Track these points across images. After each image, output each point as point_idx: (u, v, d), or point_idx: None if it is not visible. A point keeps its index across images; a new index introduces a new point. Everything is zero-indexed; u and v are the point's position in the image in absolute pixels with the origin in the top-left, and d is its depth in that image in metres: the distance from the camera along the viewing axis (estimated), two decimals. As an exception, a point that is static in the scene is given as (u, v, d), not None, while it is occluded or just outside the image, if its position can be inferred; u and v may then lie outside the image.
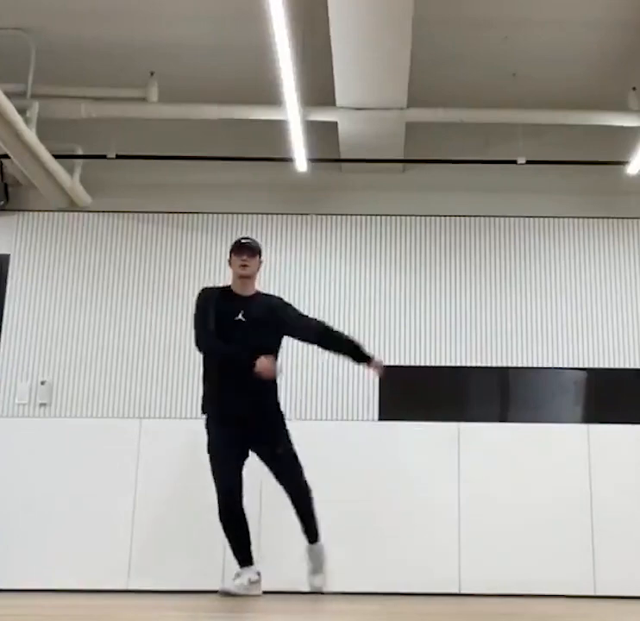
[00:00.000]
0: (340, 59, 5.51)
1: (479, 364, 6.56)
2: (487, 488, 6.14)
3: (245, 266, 5.01)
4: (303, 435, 6.22)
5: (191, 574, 6.03)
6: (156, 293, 6.69)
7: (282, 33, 4.96)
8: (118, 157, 6.42)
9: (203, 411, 5.02)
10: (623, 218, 6.82)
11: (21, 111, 5.77)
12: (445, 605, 4.48)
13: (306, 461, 6.17)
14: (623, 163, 6.36)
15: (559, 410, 6.55)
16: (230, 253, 5.10)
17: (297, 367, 6.53)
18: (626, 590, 5.88)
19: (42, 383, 6.49)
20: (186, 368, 6.53)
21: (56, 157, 6.21)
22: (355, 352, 5.11)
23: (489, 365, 6.56)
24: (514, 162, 6.42)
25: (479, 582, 5.81)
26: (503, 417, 6.54)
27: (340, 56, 5.48)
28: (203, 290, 5.17)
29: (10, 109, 5.54)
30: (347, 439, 6.19)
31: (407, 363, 6.53)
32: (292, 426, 6.41)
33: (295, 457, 4.95)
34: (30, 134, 5.84)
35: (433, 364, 6.55)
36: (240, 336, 4.93)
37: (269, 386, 4.93)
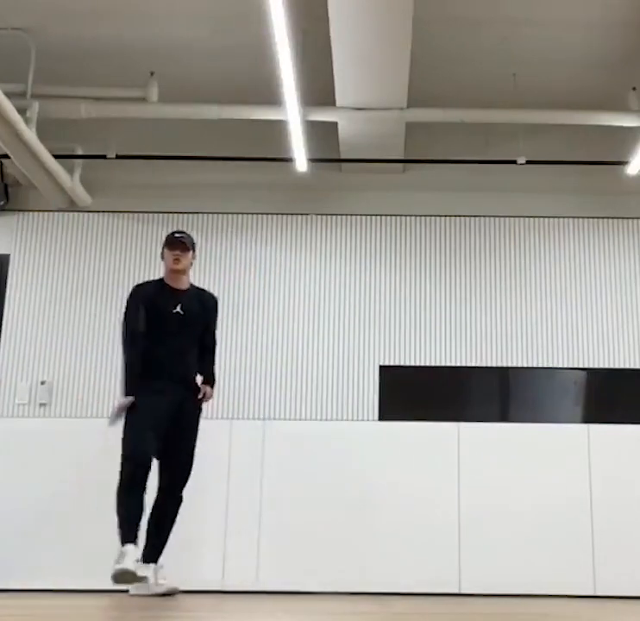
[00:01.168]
0: (340, 59, 5.51)
1: (479, 364, 6.56)
2: (487, 488, 6.14)
3: (177, 260, 5.07)
4: (303, 435, 6.24)
5: (191, 574, 6.03)
6: (156, 293, 6.68)
7: (282, 33, 4.96)
8: (118, 157, 6.42)
9: None
10: (623, 218, 6.82)
11: (21, 111, 5.77)
12: (445, 605, 4.48)
13: (306, 461, 6.17)
14: (623, 163, 6.36)
15: (559, 410, 6.55)
16: (163, 246, 5.16)
17: (297, 367, 6.53)
18: (626, 590, 5.88)
19: (42, 383, 6.48)
20: (186, 368, 6.52)
21: (56, 157, 6.21)
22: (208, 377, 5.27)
23: (489, 365, 6.56)
24: (514, 162, 6.42)
25: (479, 582, 5.80)
26: (503, 417, 6.55)
27: (340, 56, 5.48)
28: (135, 287, 5.21)
29: (10, 109, 5.54)
30: (347, 439, 6.18)
31: (407, 363, 6.53)
32: (292, 426, 6.43)
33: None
34: (30, 134, 5.84)
35: (433, 364, 6.55)
36: (177, 329, 5.04)
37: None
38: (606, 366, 6.52)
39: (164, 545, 4.99)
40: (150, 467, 4.90)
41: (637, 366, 6.52)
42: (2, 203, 6.72)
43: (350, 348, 6.65)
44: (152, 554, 4.96)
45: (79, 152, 6.55)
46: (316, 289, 6.72)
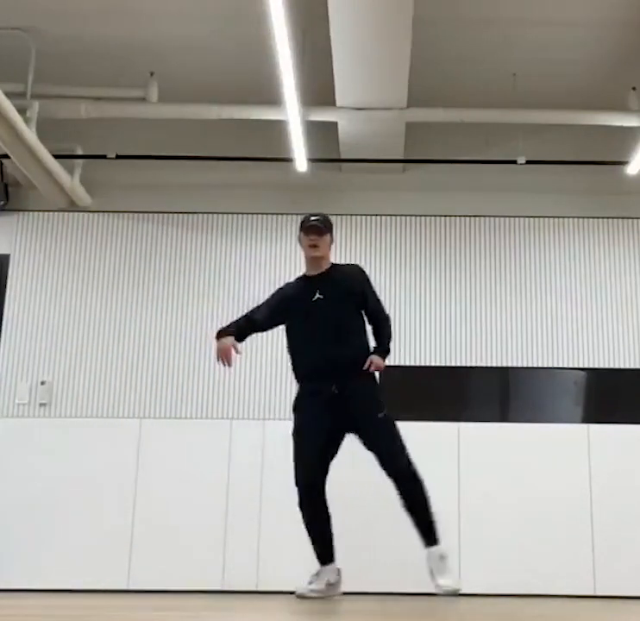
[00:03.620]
0: (340, 59, 5.51)
1: (479, 364, 6.56)
2: (487, 488, 6.14)
3: (315, 246, 4.80)
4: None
5: (191, 574, 6.04)
6: (156, 293, 6.69)
7: (282, 33, 4.96)
8: (118, 157, 6.43)
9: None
10: (623, 218, 6.82)
11: (21, 111, 5.77)
12: (445, 605, 4.48)
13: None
14: (623, 163, 6.36)
15: (559, 410, 6.55)
16: (299, 230, 4.88)
17: (297, 367, 6.53)
18: (626, 590, 5.88)
19: (42, 383, 6.49)
20: (186, 368, 6.53)
21: (56, 157, 6.21)
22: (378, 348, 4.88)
23: (489, 365, 6.56)
24: (514, 162, 6.42)
25: (479, 582, 5.80)
26: (503, 417, 6.54)
27: (340, 56, 5.48)
28: (284, 285, 4.99)
29: (10, 109, 5.54)
30: (346, 439, 6.18)
31: (407, 363, 6.52)
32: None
33: None
34: (30, 134, 5.84)
35: (433, 364, 6.55)
36: (322, 316, 4.73)
37: None
38: (606, 366, 6.52)
39: (430, 527, 4.59)
40: (318, 490, 4.64)
41: (637, 366, 6.51)
42: (2, 203, 6.72)
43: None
44: (425, 541, 4.58)
45: (79, 152, 6.55)
46: (316, 289, 6.71)
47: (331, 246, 4.94)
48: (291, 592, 4.71)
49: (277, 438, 6.30)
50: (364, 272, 4.93)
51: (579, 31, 5.85)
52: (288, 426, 6.37)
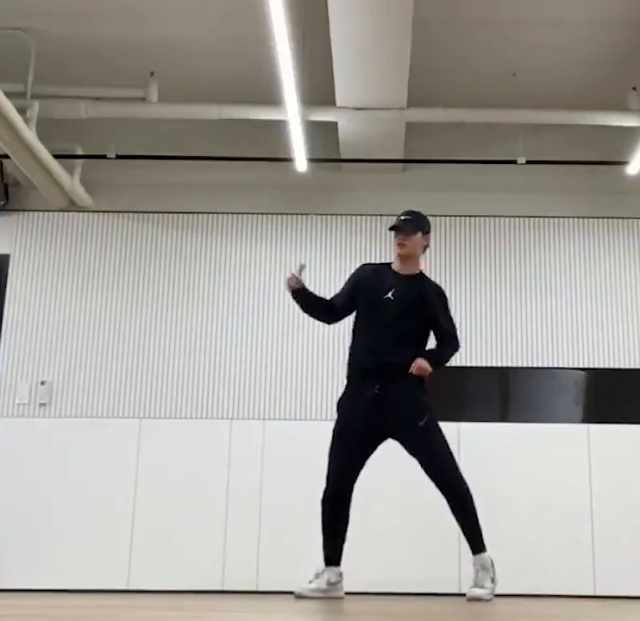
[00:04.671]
0: (340, 59, 5.51)
1: (479, 364, 6.56)
2: (487, 488, 6.13)
3: (402, 244, 4.70)
4: (303, 435, 6.24)
5: (191, 574, 6.04)
6: (156, 293, 6.69)
7: (282, 33, 4.96)
8: (118, 157, 6.42)
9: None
10: (623, 218, 6.82)
11: (21, 111, 5.77)
12: (445, 605, 4.48)
13: (307, 461, 6.17)
14: (623, 163, 6.36)
15: (559, 410, 6.54)
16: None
17: (297, 367, 6.53)
18: (626, 590, 5.88)
19: (42, 383, 6.49)
20: (186, 368, 6.53)
21: (56, 157, 6.21)
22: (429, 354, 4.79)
23: (489, 365, 6.56)
24: (514, 162, 6.42)
25: (479, 582, 5.80)
26: (503, 417, 6.54)
27: (340, 56, 5.48)
28: (361, 265, 4.93)
29: (10, 109, 5.54)
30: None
31: (407, 363, 6.51)
32: (293, 426, 6.43)
33: None
34: (30, 134, 5.84)
35: (433, 364, 6.54)
36: (386, 317, 4.64)
37: None
38: (606, 366, 6.52)
39: (474, 536, 4.59)
40: (345, 493, 4.65)
41: (637, 366, 6.52)
42: (2, 203, 6.72)
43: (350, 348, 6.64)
44: (472, 547, 4.60)
45: (79, 152, 6.55)
46: (317, 289, 6.70)
47: (426, 248, 4.81)
48: (292, 593, 4.71)
49: (277, 438, 6.31)
50: (445, 296, 4.85)
51: (579, 31, 5.85)
52: (288, 426, 6.40)
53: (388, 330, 4.63)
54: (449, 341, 4.82)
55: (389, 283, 4.71)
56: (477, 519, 4.64)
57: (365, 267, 4.94)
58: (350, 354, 4.79)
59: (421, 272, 4.82)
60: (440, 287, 4.90)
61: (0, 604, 4.17)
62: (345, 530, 4.69)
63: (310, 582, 4.63)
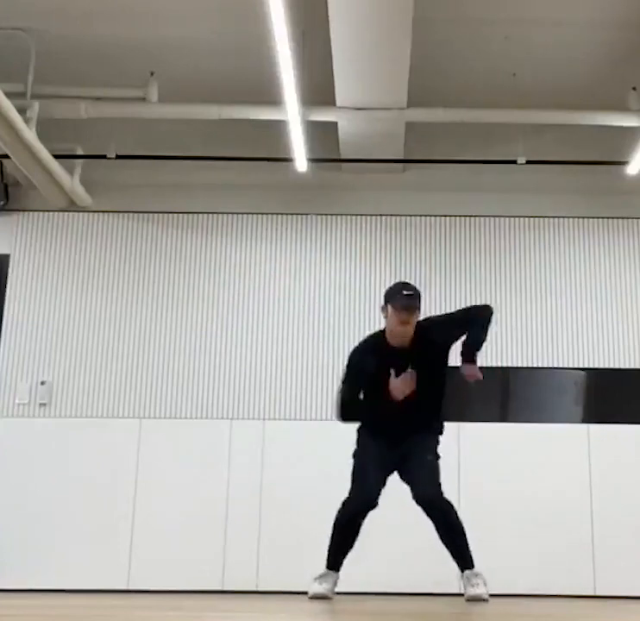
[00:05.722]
0: (340, 59, 5.50)
1: (479, 364, 6.54)
2: (487, 488, 6.14)
3: (406, 323, 4.47)
4: (303, 435, 6.24)
5: (191, 574, 6.04)
6: (156, 293, 6.69)
7: (282, 33, 4.96)
8: (118, 157, 6.42)
9: None
10: (623, 218, 6.82)
11: (21, 111, 5.76)
12: (445, 605, 4.48)
13: (307, 461, 6.17)
14: (623, 163, 6.36)
15: (559, 410, 6.54)
16: (386, 301, 4.52)
17: (297, 368, 6.53)
18: (626, 590, 5.88)
19: (42, 383, 6.49)
20: (186, 368, 6.53)
21: (56, 157, 6.21)
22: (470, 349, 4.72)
23: (489, 365, 6.55)
24: (514, 162, 6.42)
25: (479, 582, 5.80)
26: (503, 417, 6.54)
27: (340, 56, 5.48)
28: (353, 352, 4.69)
29: (10, 109, 5.54)
30: (347, 439, 6.18)
31: (407, 363, 6.52)
32: (293, 426, 6.43)
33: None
34: (30, 134, 5.84)
35: (433, 364, 6.54)
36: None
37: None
38: (606, 366, 6.52)
39: (464, 553, 4.65)
40: (371, 509, 4.62)
41: (637, 366, 6.51)
42: (2, 203, 6.72)
43: (351, 348, 6.64)
44: (461, 564, 4.66)
45: (79, 152, 6.55)
46: (317, 289, 6.72)
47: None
48: (292, 593, 4.70)
49: (277, 438, 6.31)
50: (440, 323, 4.70)
51: (579, 31, 5.85)
52: (288, 426, 6.40)
53: (412, 402, 4.62)
54: (474, 320, 4.72)
55: (399, 361, 4.54)
56: (465, 538, 4.69)
57: (363, 355, 4.68)
58: (371, 413, 4.69)
59: (417, 329, 4.56)
60: (430, 321, 4.71)
61: (0, 604, 4.17)
62: (355, 542, 4.72)
63: (321, 584, 4.59)
